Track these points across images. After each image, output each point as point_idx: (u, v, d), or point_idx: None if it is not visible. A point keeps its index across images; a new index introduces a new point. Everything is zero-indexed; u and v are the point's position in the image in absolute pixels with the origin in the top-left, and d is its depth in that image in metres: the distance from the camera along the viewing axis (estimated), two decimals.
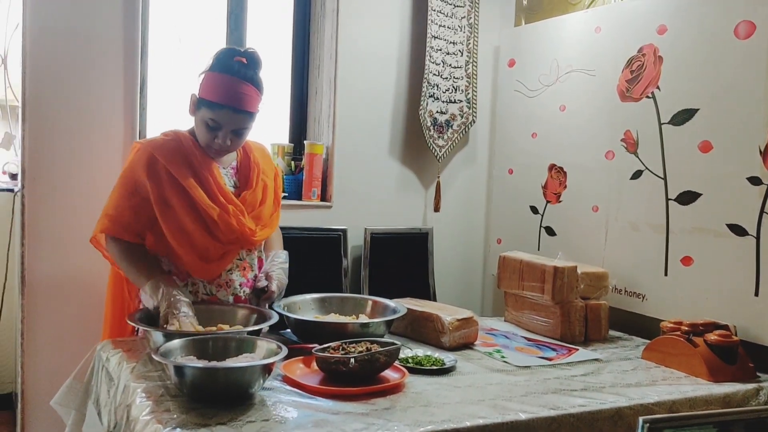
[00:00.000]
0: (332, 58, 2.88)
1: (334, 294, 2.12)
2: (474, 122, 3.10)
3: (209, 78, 1.81)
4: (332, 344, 1.65)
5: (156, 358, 1.40)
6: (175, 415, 1.32)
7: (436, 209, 3.08)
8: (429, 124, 3.00)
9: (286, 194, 2.83)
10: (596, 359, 1.95)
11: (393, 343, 1.63)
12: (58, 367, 2.31)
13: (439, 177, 3.08)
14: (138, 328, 1.81)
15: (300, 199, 2.86)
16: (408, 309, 2.03)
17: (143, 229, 1.85)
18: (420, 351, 1.88)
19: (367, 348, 1.61)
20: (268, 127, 2.99)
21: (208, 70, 1.82)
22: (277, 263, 1.98)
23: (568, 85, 2.67)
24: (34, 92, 2.33)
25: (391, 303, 2.03)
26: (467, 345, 2.02)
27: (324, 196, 2.92)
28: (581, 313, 2.18)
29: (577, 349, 2.05)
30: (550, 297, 2.16)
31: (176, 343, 1.52)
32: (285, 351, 1.49)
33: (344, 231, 2.86)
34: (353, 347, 1.63)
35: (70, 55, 2.36)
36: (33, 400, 2.36)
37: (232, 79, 1.78)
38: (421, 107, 2.96)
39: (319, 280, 2.64)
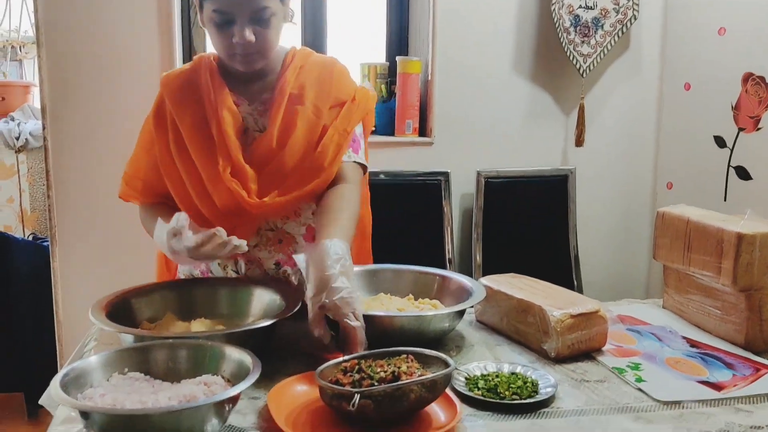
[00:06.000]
0: None
1: (386, 266, 1.69)
2: (636, 18, 2.67)
3: None
4: (353, 358, 1.18)
5: (54, 393, 1.00)
6: None
7: (579, 143, 2.71)
8: (567, 24, 2.58)
9: (374, 128, 2.46)
10: None
11: (442, 361, 1.15)
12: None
13: (583, 99, 2.70)
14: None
15: (392, 134, 2.55)
16: (502, 293, 1.54)
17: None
18: (506, 366, 1.35)
19: (394, 374, 1.10)
20: (363, 45, 2.79)
21: None
22: (329, 258, 1.29)
23: None
24: (51, 13, 2.17)
25: (467, 281, 1.59)
26: (589, 353, 1.48)
27: (423, 129, 2.59)
28: None
29: None
30: (731, 280, 1.58)
31: (112, 354, 1.14)
32: (253, 376, 1.05)
33: (447, 175, 2.52)
34: (381, 367, 1.14)
35: None
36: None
37: None
38: (554, 1, 2.57)
39: (411, 243, 2.29)
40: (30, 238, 3.05)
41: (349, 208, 1.50)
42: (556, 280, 1.70)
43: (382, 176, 2.38)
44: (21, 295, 2.71)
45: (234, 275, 1.61)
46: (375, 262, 1.73)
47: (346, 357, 1.18)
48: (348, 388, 1.06)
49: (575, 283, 2.59)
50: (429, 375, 1.08)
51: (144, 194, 1.64)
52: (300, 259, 1.34)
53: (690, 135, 2.66)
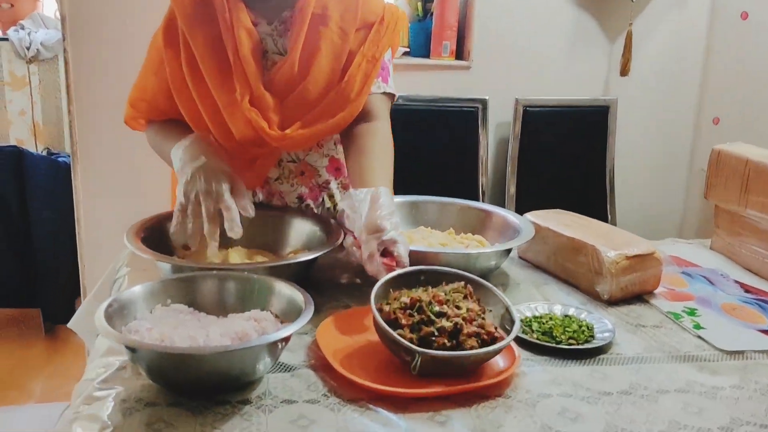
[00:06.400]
0: None
1: (427, 198, 1.61)
2: None
3: None
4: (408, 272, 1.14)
5: (100, 327, 0.94)
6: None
7: (624, 72, 2.64)
8: None
9: (408, 50, 2.39)
10: None
11: (508, 313, 1.11)
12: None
13: (631, 25, 2.60)
14: None
15: (427, 56, 2.44)
16: (550, 230, 1.48)
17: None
18: (558, 308, 1.30)
19: (456, 325, 1.05)
20: None
21: None
22: (386, 208, 1.27)
23: None
24: None
25: (512, 216, 1.53)
26: (641, 296, 1.42)
27: (460, 52, 2.49)
28: None
29: None
30: None
31: (156, 285, 1.09)
32: (307, 315, 1.01)
33: (484, 102, 2.41)
34: (439, 304, 1.08)
35: None
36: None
37: None
38: None
39: (444, 173, 2.21)
40: (44, 153, 2.98)
41: (386, 153, 1.40)
42: (589, 215, 1.64)
43: (414, 102, 2.28)
44: (38, 211, 2.67)
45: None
46: (408, 192, 1.63)
47: (399, 271, 1.14)
48: (409, 343, 1.01)
49: (608, 218, 2.53)
50: (495, 345, 1.03)
51: (151, 116, 1.50)
52: (350, 199, 1.27)
53: (743, 67, 2.56)
